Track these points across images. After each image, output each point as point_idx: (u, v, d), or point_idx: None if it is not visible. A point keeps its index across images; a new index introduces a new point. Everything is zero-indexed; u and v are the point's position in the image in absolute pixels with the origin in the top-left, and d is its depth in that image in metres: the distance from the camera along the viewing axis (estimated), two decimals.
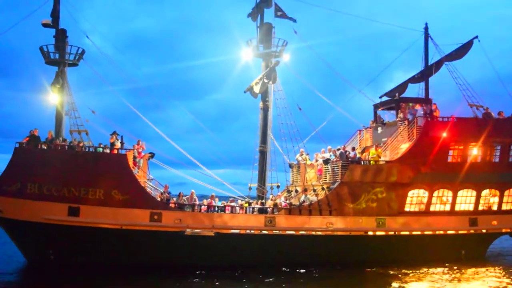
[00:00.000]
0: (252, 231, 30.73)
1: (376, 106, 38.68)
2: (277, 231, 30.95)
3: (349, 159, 33.10)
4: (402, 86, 38.62)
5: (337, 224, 31.70)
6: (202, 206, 30.74)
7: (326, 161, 34.03)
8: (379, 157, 33.49)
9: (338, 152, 33.81)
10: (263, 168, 35.06)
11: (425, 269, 31.06)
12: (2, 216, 29.95)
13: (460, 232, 34.16)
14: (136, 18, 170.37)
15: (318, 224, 31.47)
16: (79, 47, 32.99)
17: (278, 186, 35.09)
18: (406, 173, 32.93)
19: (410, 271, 30.48)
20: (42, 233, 29.49)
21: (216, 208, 30.98)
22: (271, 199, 33.65)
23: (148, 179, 33.13)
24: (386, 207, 32.62)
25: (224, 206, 31.19)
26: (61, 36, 32.76)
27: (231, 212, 30.95)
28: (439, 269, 31.24)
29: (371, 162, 33.05)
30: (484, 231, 34.71)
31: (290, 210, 31.55)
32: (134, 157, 31.40)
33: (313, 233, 31.50)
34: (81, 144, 30.60)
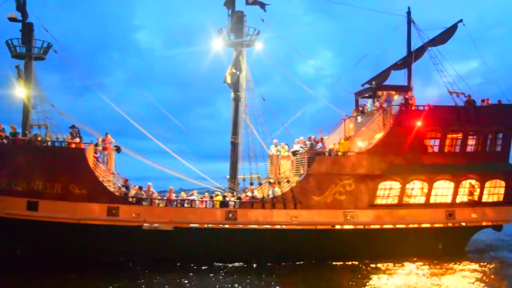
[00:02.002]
0: (212, 225, 30.11)
1: (357, 94, 37.33)
2: (239, 225, 30.23)
3: (316, 151, 32.01)
4: (385, 73, 36.94)
5: (302, 217, 30.73)
6: (160, 200, 30.33)
7: (294, 153, 33.08)
8: (349, 148, 32.28)
9: (308, 143, 32.75)
10: (235, 160, 34.45)
11: (399, 264, 30.03)
12: None
13: (436, 225, 32.64)
14: (184, 13, 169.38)
15: (282, 218, 30.56)
16: (44, 41, 32.98)
17: (258, 177, 34.45)
18: (377, 164, 31.66)
19: (383, 266, 29.60)
20: (5, 227, 29.71)
21: (175, 202, 30.46)
22: (245, 192, 32.98)
23: (111, 173, 33.05)
24: (355, 200, 31.43)
25: (184, 200, 30.61)
26: (27, 30, 32.76)
27: (191, 205, 30.38)
28: (415, 264, 30.14)
29: (339, 153, 31.91)
30: (463, 224, 33.11)
31: (252, 203, 30.77)
32: (96, 151, 31.21)
33: (277, 227, 30.67)
34: (39, 138, 30.52)
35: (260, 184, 33.63)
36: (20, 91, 32.58)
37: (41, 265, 28.50)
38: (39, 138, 30.48)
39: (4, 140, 30.06)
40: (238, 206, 30.55)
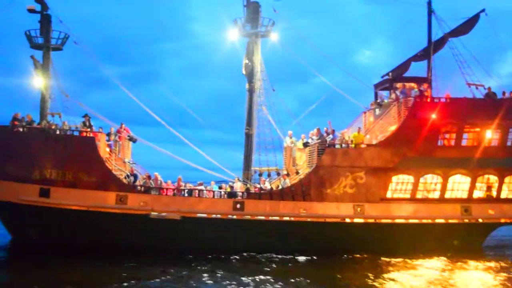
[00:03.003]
0: (219, 216, 30.08)
1: (376, 87, 36.65)
2: (247, 216, 30.11)
3: (326, 142, 31.55)
4: (405, 65, 36.24)
5: (310, 210, 30.38)
6: (168, 189, 30.53)
7: (306, 144, 32.70)
8: (362, 140, 31.73)
9: (318, 135, 32.33)
10: (249, 152, 34.26)
11: (412, 259, 28.97)
12: None
13: (450, 221, 31.70)
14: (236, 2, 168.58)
15: (289, 210, 30.29)
16: (61, 32, 33.67)
17: (276, 169, 34.17)
18: (389, 157, 30.93)
19: (394, 261, 28.68)
20: (20, 213, 30.52)
21: (183, 192, 30.59)
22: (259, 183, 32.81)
23: (129, 162, 33.57)
24: (366, 193, 30.81)
25: (192, 190, 30.71)
26: (45, 21, 33.45)
27: (199, 196, 30.45)
28: (428, 260, 29.15)
29: (352, 145, 31.38)
30: (480, 220, 32.04)
31: (260, 194, 30.60)
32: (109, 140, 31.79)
33: (286, 218, 30.41)
34: (53, 127, 31.15)
35: (269, 175, 33.35)
36: (38, 81, 33.26)
37: (54, 252, 29.11)
38: (53, 127, 31.12)
39: (20, 129, 30.88)
40: (246, 197, 30.44)
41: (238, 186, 31.72)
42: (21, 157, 30.12)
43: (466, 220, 31.77)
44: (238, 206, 29.99)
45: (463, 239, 31.82)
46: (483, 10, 34.20)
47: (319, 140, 31.74)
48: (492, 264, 28.70)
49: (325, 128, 32.76)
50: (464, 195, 31.95)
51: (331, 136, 31.94)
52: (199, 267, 26.37)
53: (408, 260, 28.85)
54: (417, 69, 36.48)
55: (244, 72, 34.48)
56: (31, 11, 33.36)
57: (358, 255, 29.67)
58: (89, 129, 30.92)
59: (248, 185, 32.02)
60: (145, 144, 34.70)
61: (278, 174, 32.05)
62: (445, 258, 29.58)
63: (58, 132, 30.72)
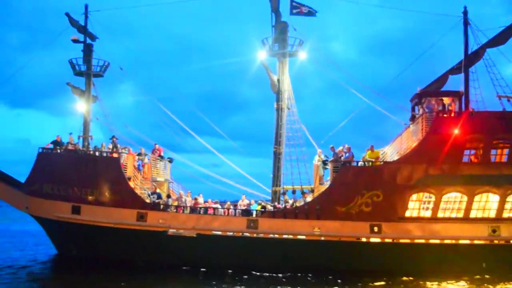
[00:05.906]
0: (233, 233, 30.60)
1: (411, 101, 35.35)
2: (261, 234, 30.37)
3: (341, 159, 31.04)
4: (442, 79, 34.60)
5: (324, 228, 30.02)
6: (186, 207, 31.58)
7: (324, 162, 32.32)
8: (378, 157, 30.90)
9: (333, 153, 31.90)
10: (277, 170, 34.48)
11: (434, 282, 27.81)
12: (29, 213, 34.35)
13: (476, 242, 29.76)
14: (378, 20, 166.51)
15: (303, 228, 30.11)
16: (100, 59, 36.13)
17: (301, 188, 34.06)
18: (409, 174, 29.68)
19: (415, 284, 27.67)
20: (58, 228, 33.15)
21: (199, 210, 31.49)
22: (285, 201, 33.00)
23: (168, 181, 35.67)
24: (383, 212, 29.82)
25: (207, 208, 31.52)
26: (87, 50, 36.07)
27: (214, 213, 31.19)
28: (453, 283, 27.77)
29: (369, 163, 30.65)
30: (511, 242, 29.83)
31: (274, 213, 30.74)
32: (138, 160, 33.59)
33: (299, 237, 30.28)
34: (84, 149, 33.52)
35: (285, 193, 33.31)
36: (81, 106, 35.90)
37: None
38: (84, 148, 33.51)
39: (58, 150, 33.54)
40: (260, 215, 30.73)
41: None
42: (56, 176, 32.71)
43: (496, 241, 29.73)
44: (252, 224, 30.34)
45: (492, 262, 29.74)
46: None
47: (333, 158, 31.36)
48: None
49: (346, 146, 32.20)
50: (492, 214, 29.91)
51: (347, 153, 31.39)
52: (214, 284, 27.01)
53: (429, 283, 27.69)
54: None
55: (273, 91, 34.90)
56: (75, 41, 36.09)
57: (373, 277, 28.55)
58: (115, 150, 32.84)
59: (264, 203, 32.27)
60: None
61: (292, 192, 32.03)
62: (471, 282, 27.98)
63: (88, 153, 33.00)
